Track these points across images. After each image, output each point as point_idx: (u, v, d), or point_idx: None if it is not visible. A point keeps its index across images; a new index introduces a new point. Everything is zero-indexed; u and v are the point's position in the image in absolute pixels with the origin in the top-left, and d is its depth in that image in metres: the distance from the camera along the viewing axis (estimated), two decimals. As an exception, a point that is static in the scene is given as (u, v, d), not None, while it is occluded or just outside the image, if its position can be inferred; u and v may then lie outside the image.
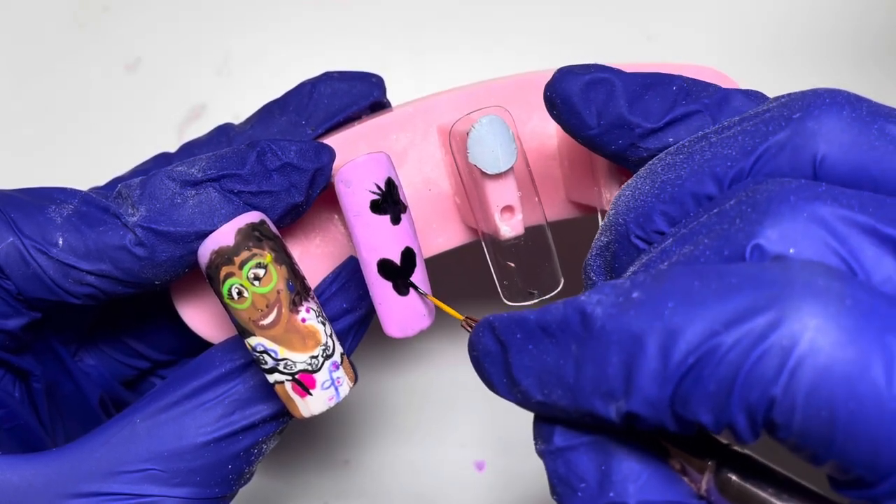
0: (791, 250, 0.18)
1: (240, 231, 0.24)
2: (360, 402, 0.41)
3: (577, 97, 0.24)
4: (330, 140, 0.28)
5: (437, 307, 0.26)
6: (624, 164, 0.25)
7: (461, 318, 0.24)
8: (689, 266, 0.19)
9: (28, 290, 0.25)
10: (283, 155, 0.26)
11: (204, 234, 0.25)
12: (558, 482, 0.20)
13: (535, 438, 0.21)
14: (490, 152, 0.25)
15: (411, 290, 0.25)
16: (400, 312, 0.25)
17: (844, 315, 0.16)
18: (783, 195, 0.19)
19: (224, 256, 0.23)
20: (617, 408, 0.18)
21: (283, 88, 0.31)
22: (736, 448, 0.20)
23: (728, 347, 0.16)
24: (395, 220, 0.25)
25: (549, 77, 0.29)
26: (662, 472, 0.20)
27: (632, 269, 0.22)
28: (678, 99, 0.24)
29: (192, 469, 0.25)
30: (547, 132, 0.30)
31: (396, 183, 0.25)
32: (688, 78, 0.25)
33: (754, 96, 0.24)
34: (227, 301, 0.24)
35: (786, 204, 0.18)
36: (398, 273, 0.25)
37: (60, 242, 0.25)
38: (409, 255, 0.25)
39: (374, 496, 0.40)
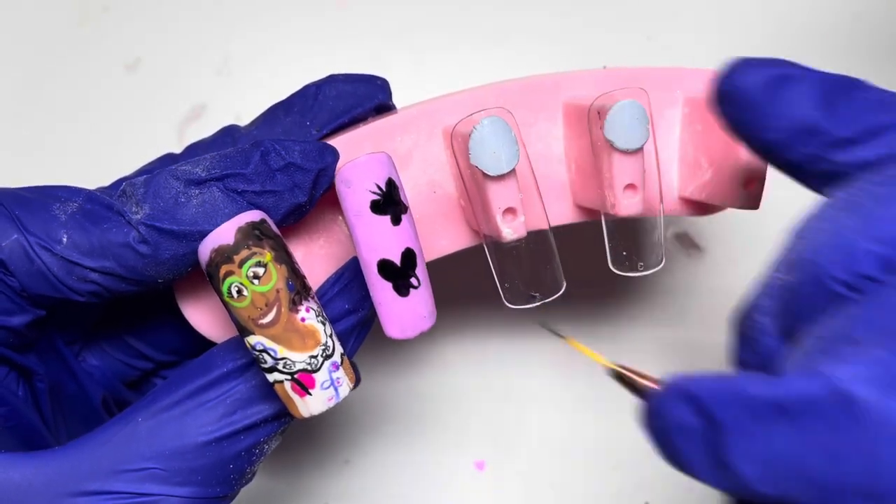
0: None
1: (240, 230, 0.24)
2: (360, 402, 0.41)
3: (762, 94, 0.22)
4: (334, 141, 0.29)
5: (583, 354, 0.24)
6: (796, 175, 0.23)
7: (612, 365, 0.22)
8: None
9: (32, 286, 0.25)
10: (287, 155, 0.26)
11: (207, 234, 0.25)
12: None
13: None
14: (492, 154, 0.25)
15: (411, 291, 0.25)
16: (400, 313, 0.25)
17: None
18: None
19: (224, 255, 0.23)
20: None
21: (282, 88, 0.31)
22: None
23: None
24: (396, 221, 0.25)
25: (554, 80, 0.29)
26: None
27: (839, 324, 0.18)
28: (877, 108, 0.21)
29: (194, 468, 0.25)
30: (553, 135, 0.30)
31: (397, 183, 0.25)
32: (881, 88, 0.22)
33: None
34: (227, 299, 0.24)
35: None
36: (398, 274, 0.25)
37: (65, 239, 0.25)
38: (409, 255, 0.25)
39: (375, 496, 0.40)
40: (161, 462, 0.24)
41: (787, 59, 0.22)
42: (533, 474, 0.40)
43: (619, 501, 0.40)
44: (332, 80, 0.30)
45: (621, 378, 0.21)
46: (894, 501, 0.15)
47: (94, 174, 0.33)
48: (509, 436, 0.41)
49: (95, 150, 0.43)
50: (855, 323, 0.18)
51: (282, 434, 0.27)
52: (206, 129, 0.42)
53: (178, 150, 0.41)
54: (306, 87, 0.30)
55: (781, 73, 0.22)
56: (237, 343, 0.26)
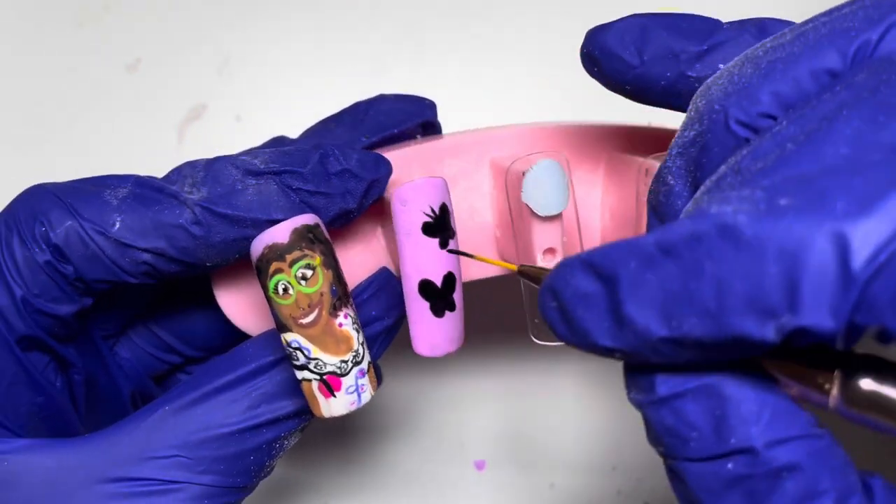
0: None
1: (295, 231, 0.24)
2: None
3: (615, 41, 0.24)
4: (385, 156, 0.29)
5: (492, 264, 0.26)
6: (676, 101, 0.24)
7: (514, 267, 0.24)
8: (846, 158, 0.17)
9: (87, 271, 0.25)
10: (345, 161, 0.26)
11: (259, 222, 0.26)
12: (665, 433, 0.19)
13: (630, 388, 0.20)
14: (544, 195, 0.26)
15: (446, 313, 0.26)
16: (433, 333, 0.26)
17: None
18: None
19: (276, 252, 0.24)
20: (779, 326, 0.16)
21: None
22: (857, 352, 0.18)
23: None
24: (444, 245, 0.26)
25: (605, 132, 0.30)
26: (782, 406, 0.18)
27: (731, 161, 0.19)
28: (716, 24, 0.23)
29: (216, 458, 0.25)
30: (592, 182, 0.31)
31: (450, 209, 0.26)
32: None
33: (786, 22, 0.23)
34: (272, 295, 0.24)
35: None
36: (438, 295, 0.26)
37: (118, 223, 0.25)
38: (450, 279, 0.26)
39: (375, 495, 0.41)
40: (187, 450, 0.25)
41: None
42: (533, 474, 0.41)
43: (619, 502, 0.41)
44: (382, 98, 0.31)
45: (529, 276, 0.23)
46: (782, 313, 0.16)
47: (95, 174, 0.33)
48: (509, 436, 0.41)
49: (95, 150, 0.42)
50: (742, 156, 0.19)
51: (301, 431, 0.28)
52: (206, 129, 0.43)
53: (177, 150, 0.41)
54: (356, 104, 0.31)
55: (627, 23, 0.24)
56: (265, 341, 0.27)
